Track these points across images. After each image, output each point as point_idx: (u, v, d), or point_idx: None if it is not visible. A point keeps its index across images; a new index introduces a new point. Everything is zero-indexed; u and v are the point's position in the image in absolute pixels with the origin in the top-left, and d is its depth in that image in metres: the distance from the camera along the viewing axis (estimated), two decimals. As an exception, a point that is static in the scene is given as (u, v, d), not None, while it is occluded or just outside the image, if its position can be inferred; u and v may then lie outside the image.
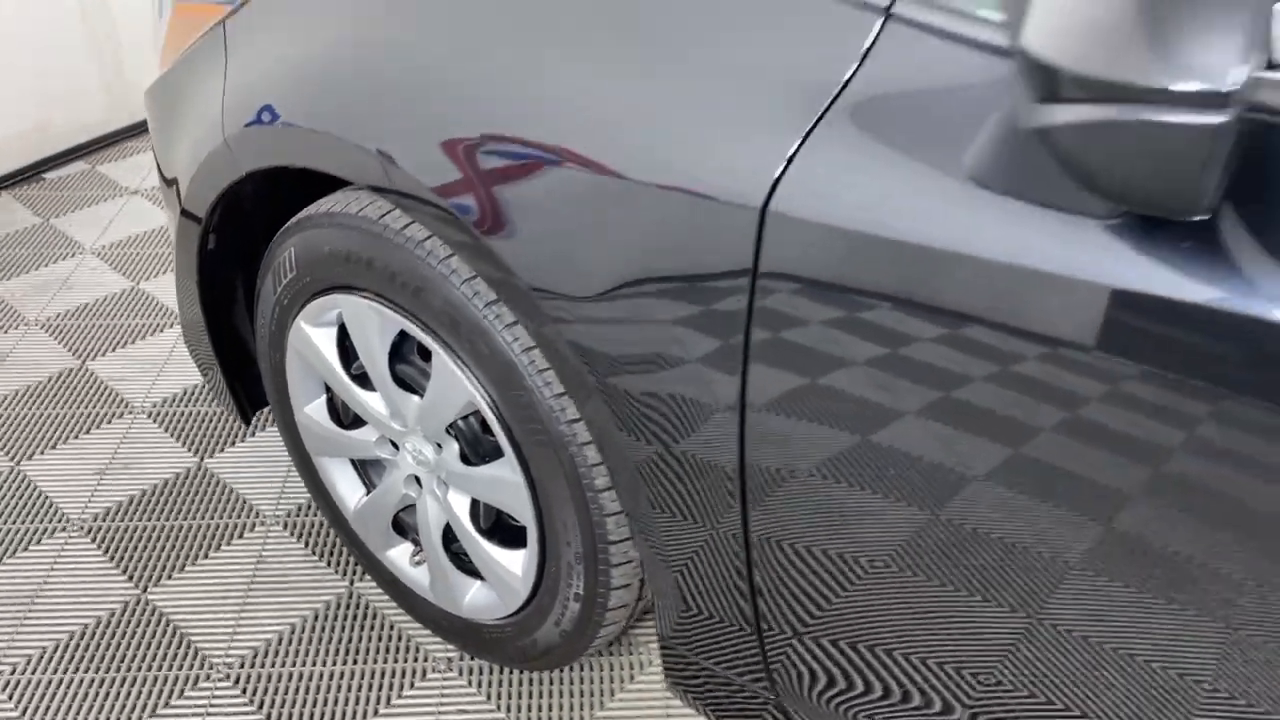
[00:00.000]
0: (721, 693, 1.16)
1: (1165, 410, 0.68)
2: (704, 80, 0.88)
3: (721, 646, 1.11)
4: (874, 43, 0.79)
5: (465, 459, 1.28)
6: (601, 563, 1.19)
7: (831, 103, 0.81)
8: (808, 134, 0.81)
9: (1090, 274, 0.66)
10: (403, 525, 1.47)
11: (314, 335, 1.35)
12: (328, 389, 1.43)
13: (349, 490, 1.49)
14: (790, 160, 0.81)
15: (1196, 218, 0.60)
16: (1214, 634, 0.74)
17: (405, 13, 1.11)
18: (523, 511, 1.23)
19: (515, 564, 1.30)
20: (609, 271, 0.95)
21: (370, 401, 1.35)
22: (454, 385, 1.20)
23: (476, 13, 1.05)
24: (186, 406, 1.98)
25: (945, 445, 0.81)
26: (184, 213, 1.43)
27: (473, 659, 1.49)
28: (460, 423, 1.26)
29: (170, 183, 1.48)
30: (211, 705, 1.43)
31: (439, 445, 1.30)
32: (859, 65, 0.80)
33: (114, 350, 2.15)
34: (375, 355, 1.28)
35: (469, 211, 1.03)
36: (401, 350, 1.29)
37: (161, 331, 2.20)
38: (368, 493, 1.47)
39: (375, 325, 1.26)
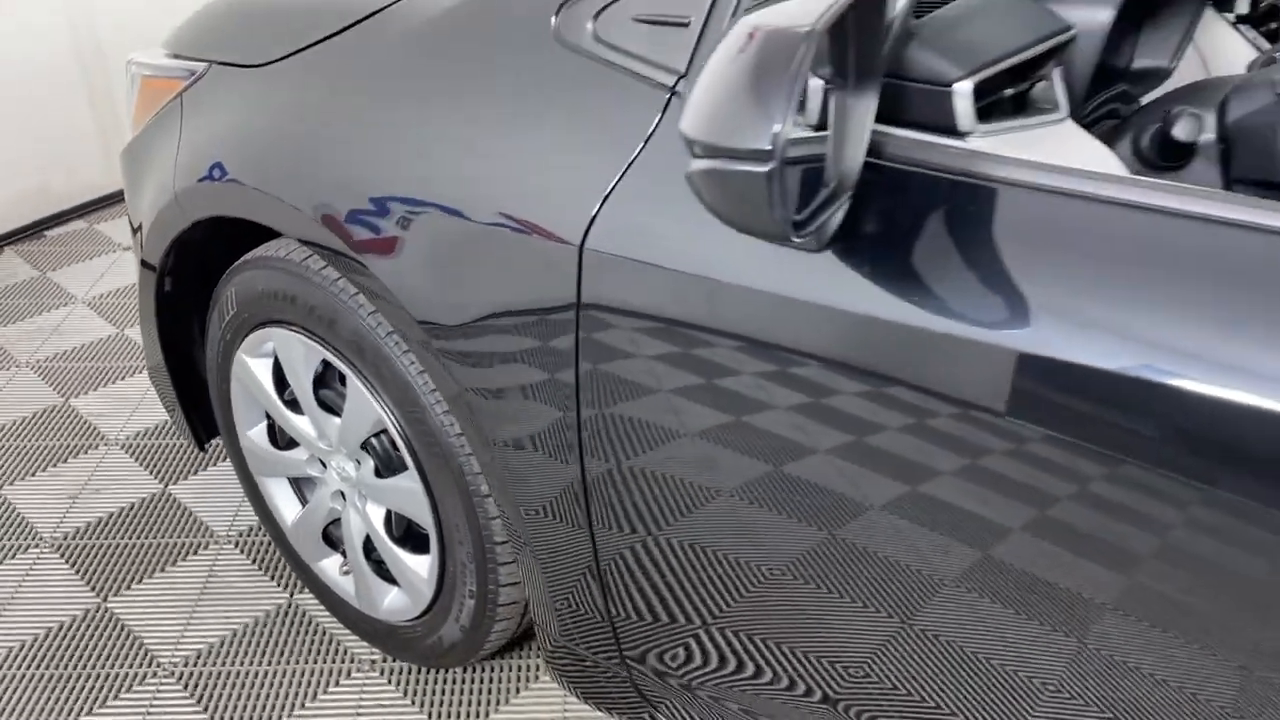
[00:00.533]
0: (587, 673, 1.32)
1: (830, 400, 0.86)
2: (538, 144, 1.07)
3: (582, 631, 1.28)
4: (663, 114, 0.99)
5: (379, 473, 1.45)
6: (490, 562, 1.36)
7: (634, 159, 1.00)
8: (615, 184, 1.00)
9: (783, 289, 0.86)
10: (332, 538, 1.64)
11: (253, 365, 1.54)
12: (268, 415, 1.61)
13: (286, 506, 1.67)
14: (602, 204, 1.00)
15: (797, 242, 0.80)
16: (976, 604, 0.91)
17: (320, 99, 1.31)
18: (424, 518, 1.41)
19: (422, 567, 1.47)
20: (473, 306, 1.14)
21: (300, 424, 1.53)
22: (364, 406, 1.38)
23: (365, 99, 1.25)
24: (157, 439, 2.16)
25: (739, 450, 0.98)
26: (143, 262, 1.62)
27: (393, 660, 1.65)
28: (373, 440, 1.44)
29: (136, 232, 1.67)
30: (156, 698, 1.59)
31: (358, 462, 1.48)
32: (653, 129, 0.99)
33: (96, 389, 2.34)
34: (301, 381, 1.47)
35: (367, 255, 1.22)
36: (325, 378, 1.47)
37: (140, 373, 2.39)
38: (302, 508, 1.65)
39: (300, 354, 1.45)
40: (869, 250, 0.87)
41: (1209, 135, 1.04)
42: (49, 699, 1.58)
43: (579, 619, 1.27)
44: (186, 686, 1.61)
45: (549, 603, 1.29)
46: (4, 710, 1.56)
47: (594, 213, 1.00)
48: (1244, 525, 0.73)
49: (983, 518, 0.86)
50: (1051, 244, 0.81)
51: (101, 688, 1.61)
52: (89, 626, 1.71)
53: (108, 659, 1.65)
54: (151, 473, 2.06)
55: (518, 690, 1.60)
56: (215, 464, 2.08)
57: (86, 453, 2.13)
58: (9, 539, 1.90)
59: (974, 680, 0.94)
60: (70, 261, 2.95)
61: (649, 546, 1.12)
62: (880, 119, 0.88)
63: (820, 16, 0.68)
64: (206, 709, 1.57)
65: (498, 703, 1.58)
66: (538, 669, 1.63)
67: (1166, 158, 1.06)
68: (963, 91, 0.88)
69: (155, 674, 1.63)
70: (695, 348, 0.96)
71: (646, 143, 0.99)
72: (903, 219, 0.87)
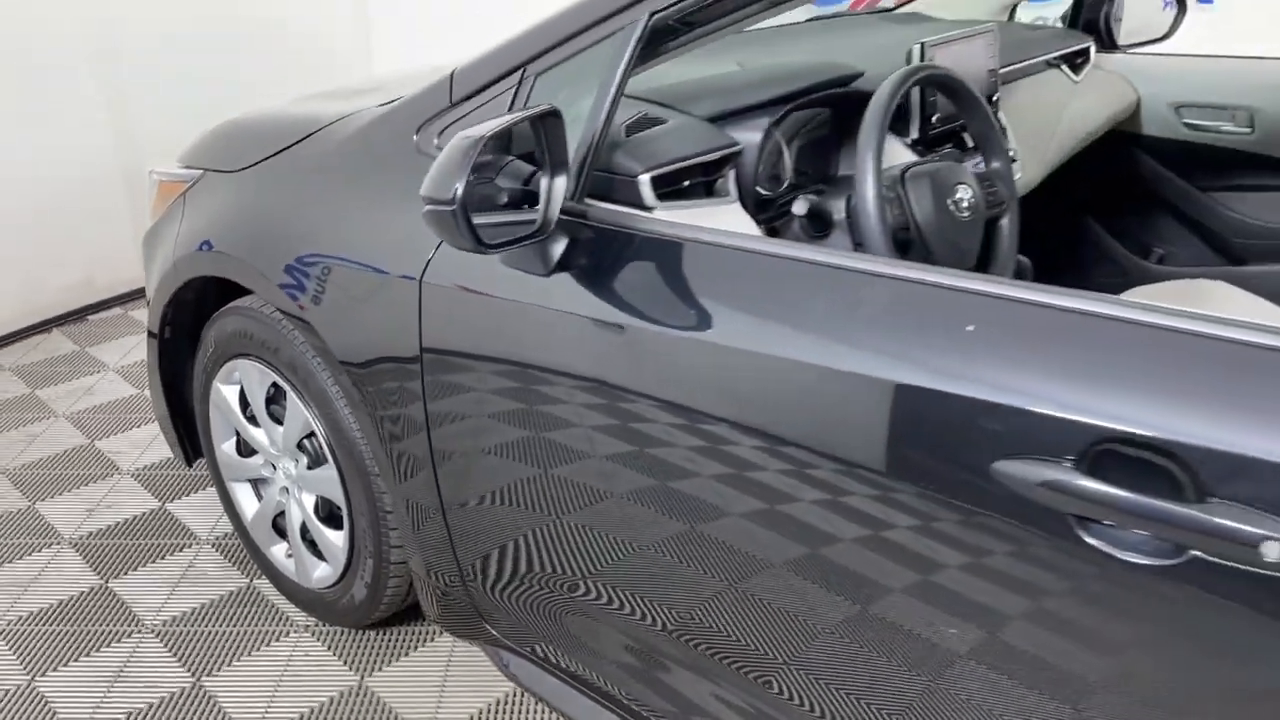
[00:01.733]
0: (444, 603, 1.79)
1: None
2: (403, 217, 1.59)
3: (438, 567, 1.75)
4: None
5: (310, 467, 1.95)
6: (382, 526, 1.84)
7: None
8: (439, 242, 1.52)
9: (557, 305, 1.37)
10: (280, 529, 2.14)
11: (224, 391, 2.06)
12: (236, 432, 2.13)
13: (248, 505, 2.17)
14: (434, 252, 1.52)
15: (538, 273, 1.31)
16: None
17: (271, 193, 1.86)
18: (338, 497, 1.90)
19: (338, 539, 1.95)
20: (365, 345, 1.65)
21: (257, 434, 2.04)
22: (298, 414, 1.90)
23: (298, 191, 1.80)
24: (167, 470, 2.67)
25: (519, 424, 1.46)
26: (150, 332, 2.17)
27: (322, 624, 2.12)
28: (305, 441, 1.94)
29: (149, 303, 2.23)
30: (138, 650, 2.06)
31: (296, 461, 1.98)
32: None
33: (119, 433, 2.88)
34: (257, 398, 1.99)
35: (298, 301, 1.75)
36: (274, 397, 1.99)
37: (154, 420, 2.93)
38: (259, 504, 2.15)
39: (256, 377, 1.97)
40: (581, 276, 1.37)
41: (841, 214, 1.56)
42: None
43: (435, 557, 1.74)
44: (165, 643, 2.08)
45: (417, 549, 1.77)
46: None
47: (429, 258, 1.52)
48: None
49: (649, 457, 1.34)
50: (700, 274, 1.28)
51: (97, 639, 2.08)
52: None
53: (96, 616, 2.14)
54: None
55: (416, 647, 2.06)
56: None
57: (104, 479, 2.65)
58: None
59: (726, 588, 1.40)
60: (106, 340, 3.54)
61: (475, 500, 1.60)
62: (600, 197, 1.40)
63: (491, 129, 1.21)
64: (175, 653, 2.04)
65: (403, 654, 2.04)
66: (436, 632, 2.09)
67: (818, 228, 1.57)
68: (644, 180, 1.41)
69: (139, 630, 2.11)
70: (496, 345, 1.47)
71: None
72: (604, 258, 1.37)
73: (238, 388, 2.06)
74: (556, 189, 1.31)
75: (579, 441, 1.39)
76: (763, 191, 1.60)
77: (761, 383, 1.19)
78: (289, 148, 1.87)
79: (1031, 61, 2.20)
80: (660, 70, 1.49)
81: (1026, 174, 1.99)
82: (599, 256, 1.37)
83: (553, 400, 1.40)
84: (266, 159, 1.91)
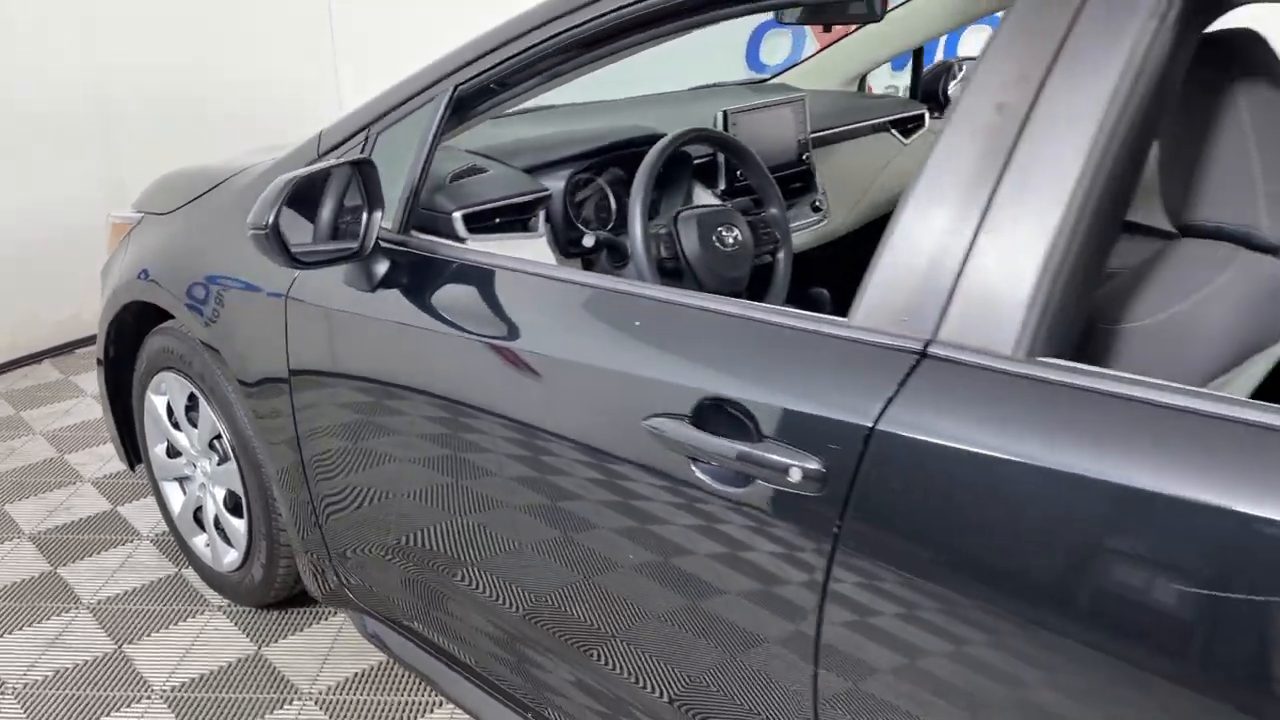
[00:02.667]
0: (318, 575, 2.10)
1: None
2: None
3: (311, 545, 2.07)
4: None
5: (220, 464, 2.29)
6: (273, 514, 2.17)
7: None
8: (304, 268, 1.86)
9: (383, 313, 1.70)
10: (201, 522, 2.47)
11: (155, 400, 2.41)
12: (166, 438, 2.47)
13: (175, 500, 2.50)
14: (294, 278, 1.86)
15: (366, 287, 1.66)
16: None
17: (188, 231, 2.23)
18: (238, 488, 2.23)
19: (241, 525, 2.28)
20: (245, 344, 2.00)
21: (180, 437, 2.38)
22: (208, 418, 2.24)
23: (205, 229, 2.16)
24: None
25: (380, 442, 1.79)
26: (98, 360, 2.53)
27: (231, 604, 2.44)
28: (215, 442, 2.28)
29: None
30: (73, 624, 2.39)
31: (210, 460, 2.32)
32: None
33: (90, 448, 3.23)
34: (178, 405, 2.33)
35: (201, 323, 2.10)
36: (192, 405, 2.33)
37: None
38: (183, 499, 2.48)
39: (178, 388, 2.31)
40: (402, 292, 1.69)
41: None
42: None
43: (309, 539, 2.06)
44: (99, 621, 2.41)
45: (295, 528, 2.09)
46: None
47: (293, 279, 1.87)
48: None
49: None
50: (495, 291, 1.60)
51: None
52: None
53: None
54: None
55: (311, 624, 2.38)
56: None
57: (62, 488, 3.00)
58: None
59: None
60: (88, 370, 3.91)
61: (334, 487, 1.93)
62: (428, 231, 1.74)
63: (302, 174, 1.56)
64: (107, 629, 2.36)
65: (295, 631, 2.35)
66: (333, 613, 2.40)
67: (616, 260, 1.91)
68: (457, 217, 1.75)
69: (76, 608, 2.44)
70: (344, 347, 1.80)
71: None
72: (421, 278, 1.70)
73: (165, 398, 2.40)
74: (374, 221, 1.65)
75: (406, 437, 1.71)
76: (571, 229, 1.94)
77: (523, 374, 1.51)
78: (205, 194, 2.24)
79: (854, 126, 2.54)
80: (498, 131, 1.85)
81: (833, 222, 2.31)
82: (416, 277, 1.71)
83: (385, 398, 1.72)
84: (189, 203, 2.27)
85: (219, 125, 4.22)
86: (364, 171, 1.64)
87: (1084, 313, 1.14)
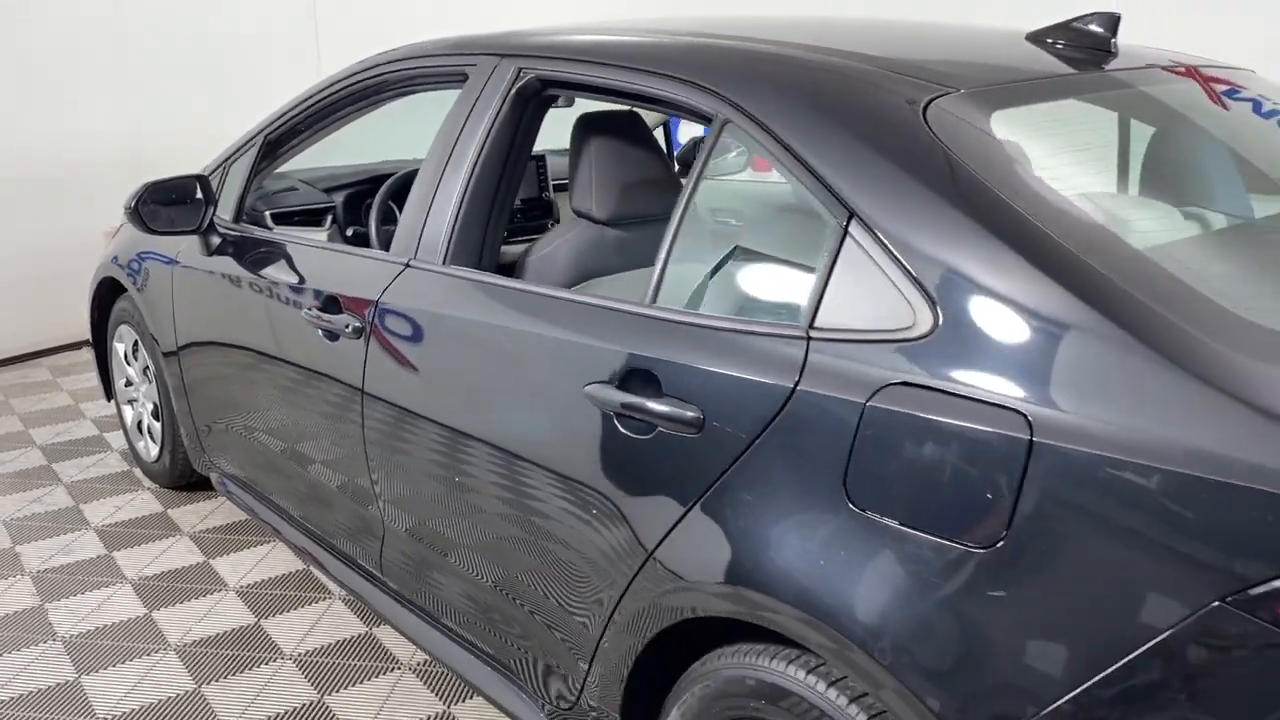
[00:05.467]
0: (193, 451, 3.20)
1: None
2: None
3: (194, 444, 3.16)
4: (203, 218, 3.00)
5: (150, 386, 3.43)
6: (172, 416, 3.28)
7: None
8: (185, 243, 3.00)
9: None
10: (142, 430, 3.60)
11: (117, 346, 3.58)
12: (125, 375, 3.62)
13: (129, 417, 3.65)
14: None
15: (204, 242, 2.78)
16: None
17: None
18: (157, 400, 3.35)
19: (159, 427, 3.40)
20: (150, 292, 3.13)
21: (130, 371, 3.54)
22: (143, 354, 3.38)
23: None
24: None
25: (226, 360, 2.89)
26: (86, 342, 3.72)
27: (163, 488, 3.56)
28: (146, 371, 3.42)
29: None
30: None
31: (146, 384, 3.46)
32: (203, 218, 3.00)
33: (49, 425, 4.42)
34: (128, 345, 3.49)
35: (135, 285, 3.24)
36: (137, 347, 3.48)
37: (118, 397, 4.46)
38: (132, 415, 3.63)
39: (129, 336, 3.47)
40: (230, 258, 2.79)
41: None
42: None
43: (189, 430, 3.16)
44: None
45: (183, 427, 3.19)
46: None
47: (178, 251, 2.99)
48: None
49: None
50: (284, 258, 2.69)
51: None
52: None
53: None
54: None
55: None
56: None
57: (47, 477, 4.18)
58: None
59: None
60: (74, 372, 5.13)
61: (200, 395, 3.02)
62: (254, 223, 2.85)
63: (154, 179, 2.68)
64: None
65: (214, 517, 3.45)
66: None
67: (365, 242, 2.99)
68: (267, 215, 2.87)
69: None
70: (200, 295, 2.91)
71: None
72: (240, 249, 2.78)
73: (123, 345, 3.57)
74: (208, 212, 2.77)
75: (239, 356, 2.78)
76: (347, 225, 3.04)
77: (295, 309, 2.59)
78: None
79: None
80: (324, 163, 2.98)
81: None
82: (239, 248, 2.80)
83: (222, 330, 2.82)
84: (143, 211, 3.45)
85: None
86: (201, 181, 2.76)
87: (492, 247, 2.18)
